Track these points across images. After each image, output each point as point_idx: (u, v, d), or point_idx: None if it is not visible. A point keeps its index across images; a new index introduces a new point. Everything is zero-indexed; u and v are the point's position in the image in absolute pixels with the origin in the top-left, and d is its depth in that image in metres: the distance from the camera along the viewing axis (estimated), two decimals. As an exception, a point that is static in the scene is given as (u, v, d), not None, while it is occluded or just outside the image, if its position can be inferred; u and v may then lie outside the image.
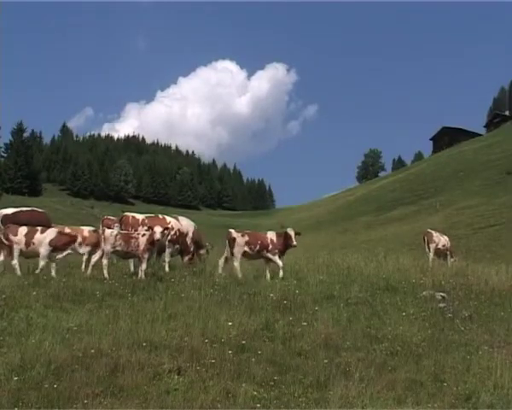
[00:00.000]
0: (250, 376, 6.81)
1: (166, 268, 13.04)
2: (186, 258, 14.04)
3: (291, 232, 13.35)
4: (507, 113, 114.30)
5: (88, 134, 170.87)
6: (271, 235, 13.49)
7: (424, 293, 11.59)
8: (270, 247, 13.26)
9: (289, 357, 7.55)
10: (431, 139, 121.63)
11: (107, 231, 12.60)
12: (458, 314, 10.09)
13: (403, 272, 13.92)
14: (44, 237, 11.98)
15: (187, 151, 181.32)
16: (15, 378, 6.33)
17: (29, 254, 12.16)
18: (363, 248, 17.37)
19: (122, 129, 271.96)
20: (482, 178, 65.69)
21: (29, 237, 11.93)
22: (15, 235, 11.96)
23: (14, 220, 15.92)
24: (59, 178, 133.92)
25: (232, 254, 13.14)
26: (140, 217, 14.02)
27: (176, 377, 6.70)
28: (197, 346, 7.49)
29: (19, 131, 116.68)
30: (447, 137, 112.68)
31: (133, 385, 6.40)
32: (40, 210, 16.76)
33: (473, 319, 9.87)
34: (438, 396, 6.58)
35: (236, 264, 13.07)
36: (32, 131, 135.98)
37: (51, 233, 12.15)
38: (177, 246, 13.84)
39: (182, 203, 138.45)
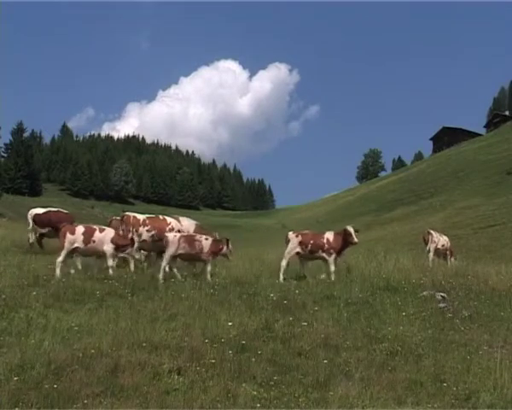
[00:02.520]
0: (250, 376, 6.81)
1: (166, 268, 13.03)
2: None
3: (351, 229, 13.18)
4: (507, 113, 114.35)
5: (88, 134, 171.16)
6: (328, 234, 13.33)
7: (424, 293, 11.58)
8: (326, 247, 13.13)
9: (289, 357, 7.54)
10: (431, 139, 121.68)
11: (170, 235, 12.70)
12: (458, 314, 10.08)
13: (403, 272, 13.91)
14: (105, 236, 12.14)
15: (187, 151, 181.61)
16: (15, 378, 6.33)
17: (87, 253, 12.34)
18: (363, 248, 17.32)
19: (123, 129, 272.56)
20: (482, 178, 65.68)
21: (88, 235, 12.06)
22: (73, 234, 12.04)
23: (45, 219, 16.55)
24: (59, 178, 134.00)
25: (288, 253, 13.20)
26: (141, 217, 14.03)
27: (176, 377, 6.70)
28: (197, 346, 7.49)
29: (19, 131, 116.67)
30: (447, 137, 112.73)
31: (133, 385, 6.40)
32: (65, 211, 17.75)
33: (473, 319, 9.86)
34: (438, 396, 6.57)
35: (284, 263, 13.07)
36: (32, 131, 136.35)
37: (110, 232, 12.33)
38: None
39: (182, 203, 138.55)
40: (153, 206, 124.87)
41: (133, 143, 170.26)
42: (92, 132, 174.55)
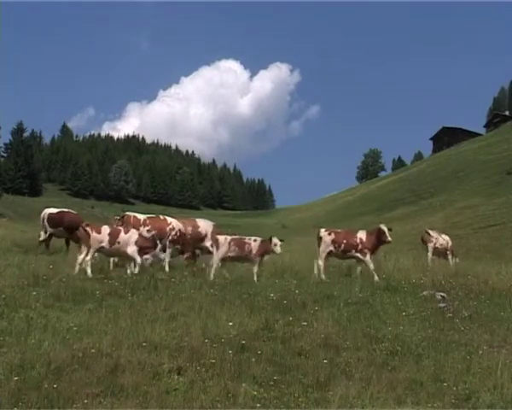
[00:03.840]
0: (250, 376, 6.80)
1: (167, 268, 13.05)
2: (184, 256, 14.10)
3: (384, 228, 13.16)
4: (507, 113, 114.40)
5: (88, 134, 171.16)
6: (361, 234, 13.31)
7: (424, 293, 11.59)
8: (360, 247, 13.08)
9: (289, 357, 7.54)
10: (431, 139, 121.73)
11: (221, 237, 12.85)
12: (458, 314, 10.09)
13: (403, 272, 13.92)
14: (129, 237, 12.18)
15: (187, 151, 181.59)
16: (15, 378, 6.32)
17: (111, 254, 12.45)
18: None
19: (123, 128, 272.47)
20: (482, 178, 65.72)
21: (113, 236, 12.13)
22: (99, 233, 12.10)
23: (57, 220, 16.86)
24: (59, 178, 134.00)
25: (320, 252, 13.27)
26: (142, 217, 14.04)
27: (176, 377, 6.70)
28: (197, 346, 7.48)
29: (19, 131, 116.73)
30: (447, 137, 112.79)
31: (133, 385, 6.39)
32: (75, 212, 18.25)
33: (473, 319, 9.86)
34: (438, 396, 6.56)
35: (320, 262, 13.09)
36: (32, 131, 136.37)
37: (135, 234, 12.39)
38: (178, 246, 13.87)
39: (182, 203, 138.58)
40: (153, 206, 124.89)
41: (133, 143, 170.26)
42: (92, 132, 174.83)
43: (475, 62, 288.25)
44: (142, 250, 12.41)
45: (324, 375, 6.89)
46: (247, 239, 12.94)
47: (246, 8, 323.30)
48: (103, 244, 12.12)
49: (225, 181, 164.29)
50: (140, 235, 12.61)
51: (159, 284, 11.18)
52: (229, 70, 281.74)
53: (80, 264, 11.96)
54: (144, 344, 7.49)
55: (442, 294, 11.47)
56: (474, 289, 12.43)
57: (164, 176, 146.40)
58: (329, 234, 13.31)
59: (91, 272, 11.87)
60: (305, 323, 8.85)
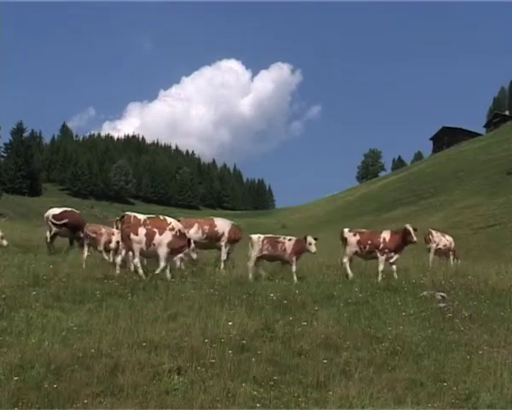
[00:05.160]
0: (250, 376, 6.80)
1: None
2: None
3: (410, 228, 13.13)
4: (507, 113, 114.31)
5: (88, 134, 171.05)
6: (385, 234, 13.29)
7: (424, 293, 11.59)
8: (382, 246, 13.08)
9: (289, 357, 7.54)
10: (431, 139, 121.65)
11: (255, 236, 12.84)
12: (458, 314, 10.09)
13: (403, 272, 13.92)
14: (163, 239, 12.15)
15: (187, 151, 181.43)
16: (15, 378, 6.32)
17: (149, 255, 12.41)
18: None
19: (124, 128, 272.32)
20: (482, 178, 65.71)
21: (149, 238, 12.13)
22: (136, 234, 12.12)
23: (61, 219, 16.96)
24: (59, 178, 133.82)
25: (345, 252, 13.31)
26: (141, 217, 14.03)
27: (176, 377, 6.70)
28: (197, 346, 7.48)
29: (19, 131, 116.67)
30: (447, 137, 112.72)
31: (133, 385, 6.39)
32: (77, 212, 18.25)
33: (473, 319, 9.86)
34: (438, 396, 6.57)
35: (345, 260, 13.10)
36: (32, 131, 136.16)
37: (169, 235, 12.29)
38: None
39: (182, 203, 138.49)
40: (153, 206, 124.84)
41: (133, 143, 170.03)
42: (92, 132, 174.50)
43: (475, 62, 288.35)
44: (176, 251, 12.36)
45: (324, 375, 6.89)
46: (281, 238, 12.97)
47: (247, 7, 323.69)
48: (141, 246, 12.13)
49: (225, 181, 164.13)
50: (173, 236, 12.55)
51: (159, 284, 11.19)
52: (231, 70, 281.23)
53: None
54: (144, 344, 7.49)
55: (442, 294, 11.47)
56: (474, 289, 12.43)
57: (164, 176, 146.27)
58: (354, 235, 13.29)
59: (140, 272, 11.86)
60: (305, 323, 8.85)
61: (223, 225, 14.82)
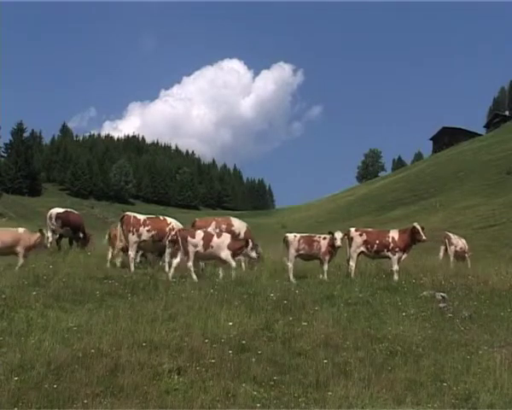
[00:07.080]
0: (250, 376, 6.81)
1: (166, 268, 13.05)
2: None
3: (418, 227, 13.11)
4: (507, 113, 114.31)
5: (88, 134, 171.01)
6: (393, 233, 13.26)
7: (424, 293, 11.59)
8: (391, 245, 13.05)
9: (289, 357, 7.55)
10: (431, 139, 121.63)
11: (291, 236, 12.88)
12: (458, 314, 10.09)
13: (403, 272, 13.91)
14: (222, 241, 12.27)
15: (187, 151, 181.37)
16: (15, 378, 6.33)
17: (206, 257, 12.54)
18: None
19: (124, 128, 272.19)
20: (482, 178, 65.64)
21: (207, 240, 12.26)
22: (193, 237, 12.23)
23: (64, 219, 17.04)
24: (59, 178, 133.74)
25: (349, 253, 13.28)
26: (141, 217, 14.05)
27: (176, 377, 6.70)
28: (197, 346, 7.49)
29: (19, 131, 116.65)
30: (447, 137, 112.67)
31: (133, 385, 6.39)
32: (76, 212, 18.54)
33: (473, 319, 9.87)
34: (438, 396, 6.57)
35: (352, 263, 13.05)
36: (32, 131, 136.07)
37: (227, 238, 12.44)
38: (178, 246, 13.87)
39: (182, 203, 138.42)
40: (153, 206, 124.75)
41: (133, 143, 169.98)
42: (92, 132, 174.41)
43: (475, 63, 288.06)
44: (235, 253, 12.44)
45: (324, 375, 6.90)
46: (316, 237, 12.98)
47: (249, 7, 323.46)
48: (198, 249, 12.21)
49: (225, 181, 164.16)
50: (232, 237, 12.60)
51: (159, 284, 11.19)
52: (232, 70, 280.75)
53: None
54: (144, 344, 7.49)
55: (442, 294, 11.46)
56: (474, 289, 12.43)
57: (164, 176, 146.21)
58: (361, 234, 13.25)
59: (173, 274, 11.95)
60: (305, 323, 8.85)
61: (240, 225, 14.86)
